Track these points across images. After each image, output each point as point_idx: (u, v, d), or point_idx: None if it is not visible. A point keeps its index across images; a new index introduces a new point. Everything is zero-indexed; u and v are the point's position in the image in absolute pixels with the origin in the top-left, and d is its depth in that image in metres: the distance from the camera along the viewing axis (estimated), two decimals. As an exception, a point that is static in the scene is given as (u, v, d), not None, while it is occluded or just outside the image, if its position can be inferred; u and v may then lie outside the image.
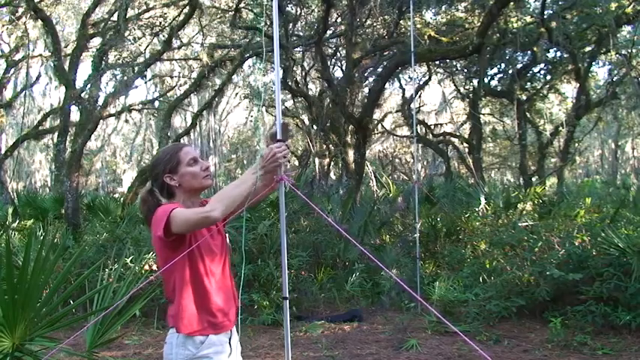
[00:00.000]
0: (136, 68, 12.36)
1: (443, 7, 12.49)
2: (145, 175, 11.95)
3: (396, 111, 20.03)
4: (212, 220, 2.02)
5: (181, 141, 14.31)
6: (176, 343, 2.10)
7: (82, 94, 10.57)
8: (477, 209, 9.00)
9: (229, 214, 2.18)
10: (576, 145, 16.67)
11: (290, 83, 12.63)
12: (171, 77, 18.52)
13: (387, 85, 14.71)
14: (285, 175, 2.16)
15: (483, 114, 17.45)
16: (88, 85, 10.84)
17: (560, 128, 14.46)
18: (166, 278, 2.17)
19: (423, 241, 7.83)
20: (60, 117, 11.02)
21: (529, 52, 13.27)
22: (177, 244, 2.09)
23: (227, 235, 2.45)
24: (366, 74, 13.65)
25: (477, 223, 8.44)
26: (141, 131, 28.21)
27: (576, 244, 6.09)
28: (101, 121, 12.51)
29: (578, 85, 13.94)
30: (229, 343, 2.22)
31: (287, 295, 2.25)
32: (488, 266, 6.56)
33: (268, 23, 11.39)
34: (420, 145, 19.25)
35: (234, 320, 2.25)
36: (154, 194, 2.27)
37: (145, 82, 18.44)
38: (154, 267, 6.26)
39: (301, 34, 13.02)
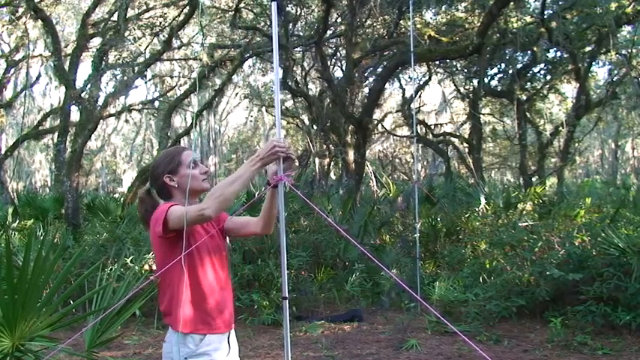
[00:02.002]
0: (136, 68, 12.35)
1: (443, 7, 12.46)
2: (145, 175, 11.95)
3: (396, 111, 20.01)
4: (206, 218, 2.04)
5: (181, 141, 14.33)
6: (176, 340, 2.13)
7: (82, 94, 10.56)
8: (477, 209, 8.99)
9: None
10: (576, 145, 16.62)
11: (290, 83, 12.62)
12: (172, 77, 18.52)
13: (387, 85, 14.70)
14: (284, 175, 2.16)
15: (483, 114, 17.43)
16: (88, 85, 10.84)
17: (560, 128, 14.43)
18: (162, 276, 2.19)
19: (423, 241, 7.83)
20: (60, 117, 11.02)
21: (529, 52, 13.25)
22: (175, 242, 2.10)
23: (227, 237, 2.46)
24: (366, 74, 13.63)
25: (477, 223, 8.44)
26: (141, 131, 28.21)
27: (576, 244, 6.10)
28: (101, 121, 12.51)
29: (578, 85, 13.92)
30: (228, 341, 2.25)
31: (287, 295, 2.26)
32: (488, 266, 6.57)
33: (268, 23, 11.40)
34: (420, 145, 19.23)
35: (231, 321, 2.27)
36: (152, 195, 2.33)
37: (145, 82, 18.43)
38: (154, 267, 6.26)
39: (301, 34, 13.01)
